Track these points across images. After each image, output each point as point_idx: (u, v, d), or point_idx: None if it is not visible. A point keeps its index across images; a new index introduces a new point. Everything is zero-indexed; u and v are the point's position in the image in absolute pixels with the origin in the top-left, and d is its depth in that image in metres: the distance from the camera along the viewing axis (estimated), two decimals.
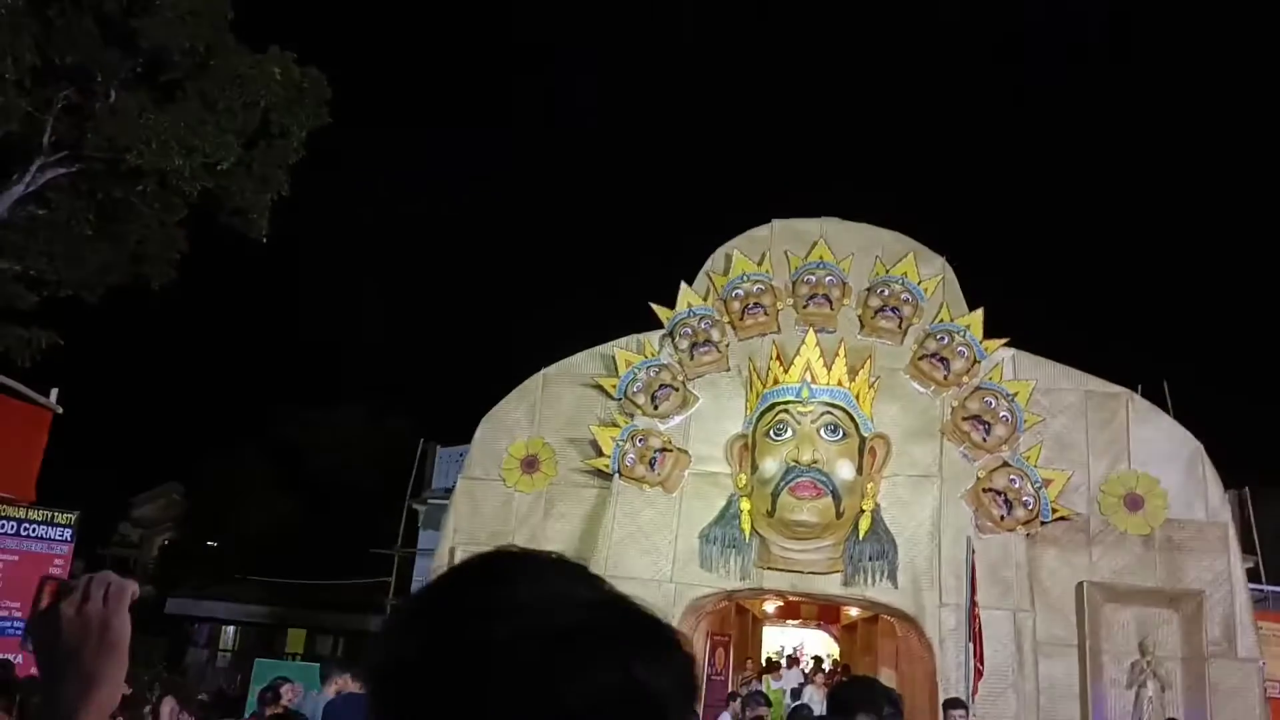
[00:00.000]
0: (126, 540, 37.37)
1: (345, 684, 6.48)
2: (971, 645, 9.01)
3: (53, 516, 7.76)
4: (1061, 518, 10.86)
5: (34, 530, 7.65)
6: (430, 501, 17.88)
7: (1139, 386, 11.89)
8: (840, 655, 16.88)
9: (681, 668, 0.87)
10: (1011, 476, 10.86)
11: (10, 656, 7.41)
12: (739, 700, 9.51)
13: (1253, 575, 12.39)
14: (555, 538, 11.84)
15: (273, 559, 25.29)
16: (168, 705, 7.40)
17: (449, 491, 12.71)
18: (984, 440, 11.09)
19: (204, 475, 33.34)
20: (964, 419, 11.20)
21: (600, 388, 12.20)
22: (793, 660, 15.69)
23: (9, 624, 7.59)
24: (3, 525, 7.40)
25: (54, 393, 7.77)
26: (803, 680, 13.98)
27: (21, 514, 7.55)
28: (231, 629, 24.26)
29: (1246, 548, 12.16)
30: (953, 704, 7.32)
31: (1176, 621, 10.54)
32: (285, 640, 22.46)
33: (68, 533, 7.88)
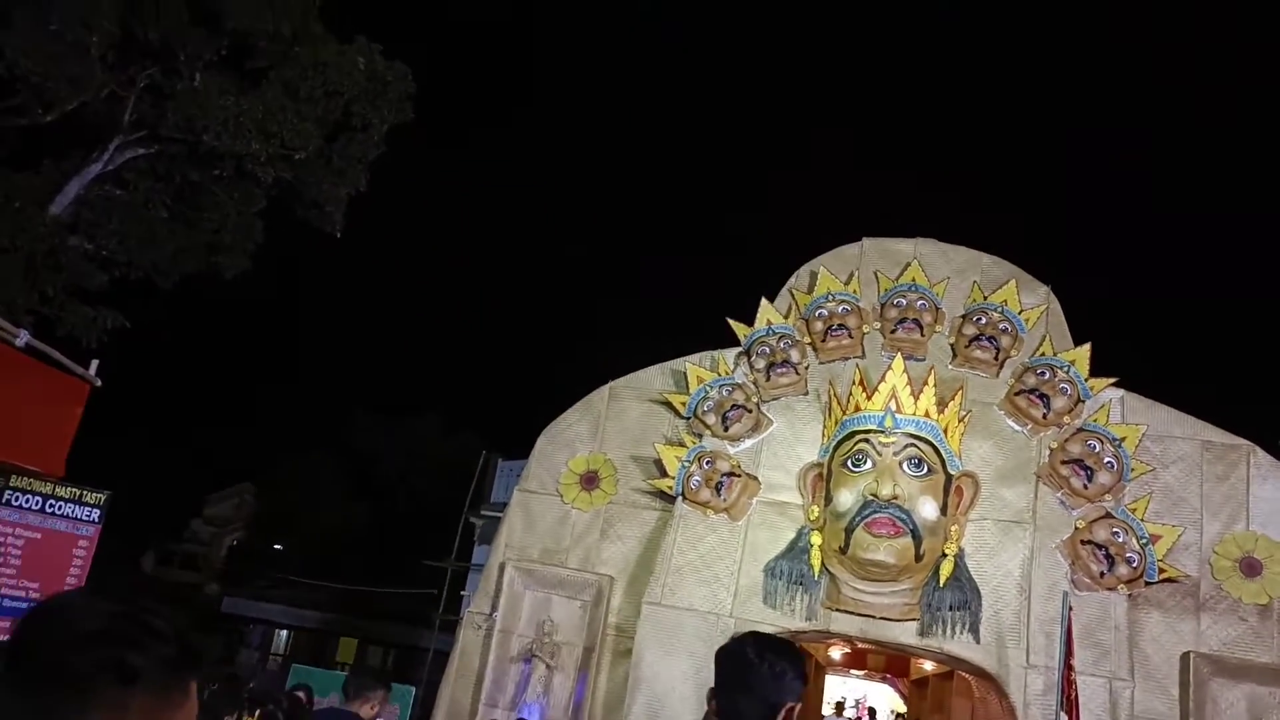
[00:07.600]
0: (197, 538, 37.88)
1: (378, 707, 5.19)
2: (1065, 714, 8.04)
3: (81, 495, 7.34)
4: (1169, 579, 9.78)
5: (60, 508, 7.20)
6: (487, 515, 17.39)
7: (1259, 442, 10.80)
8: (908, 713, 15.78)
9: None
10: (1114, 529, 9.83)
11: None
12: None
13: None
14: (611, 559, 11.20)
15: (334, 565, 25.06)
16: None
17: (508, 505, 12.16)
18: (1085, 487, 10.10)
19: (276, 477, 33.66)
20: (1063, 462, 10.22)
21: (669, 404, 11.53)
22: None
23: (26, 604, 7.22)
24: (28, 500, 6.98)
25: (94, 365, 7.37)
26: None
27: (49, 489, 7.12)
28: (285, 633, 24.03)
29: None
30: None
31: None
32: (337, 648, 22.08)
33: (96, 513, 7.43)
